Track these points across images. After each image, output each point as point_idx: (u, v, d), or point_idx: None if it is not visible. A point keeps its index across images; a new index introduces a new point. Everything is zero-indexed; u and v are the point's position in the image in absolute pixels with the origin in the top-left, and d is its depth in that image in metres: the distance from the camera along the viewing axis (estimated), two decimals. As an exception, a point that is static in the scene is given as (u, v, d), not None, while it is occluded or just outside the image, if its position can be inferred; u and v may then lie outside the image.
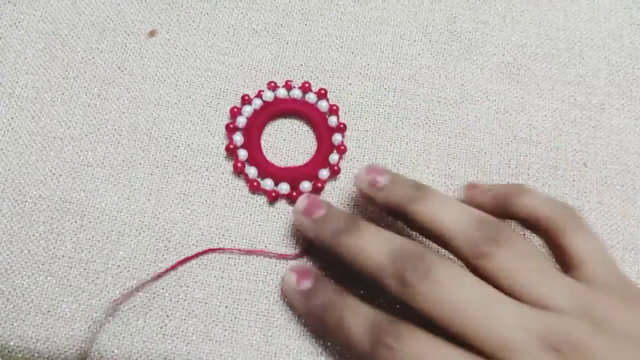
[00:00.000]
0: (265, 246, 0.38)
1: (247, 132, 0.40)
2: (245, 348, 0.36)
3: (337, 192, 0.40)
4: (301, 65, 0.43)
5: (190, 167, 0.40)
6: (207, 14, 0.45)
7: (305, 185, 0.39)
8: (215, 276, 0.38)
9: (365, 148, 0.41)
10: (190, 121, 0.41)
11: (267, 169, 0.39)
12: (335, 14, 0.45)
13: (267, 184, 0.39)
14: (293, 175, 0.39)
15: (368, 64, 0.44)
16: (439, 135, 0.42)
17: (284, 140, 0.41)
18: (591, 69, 0.45)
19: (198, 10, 0.45)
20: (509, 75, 0.44)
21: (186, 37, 0.44)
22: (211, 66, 0.43)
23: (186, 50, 0.44)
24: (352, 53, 0.44)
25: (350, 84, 0.43)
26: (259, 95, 0.41)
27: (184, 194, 0.39)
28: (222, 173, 0.40)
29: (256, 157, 0.40)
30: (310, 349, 0.36)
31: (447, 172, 0.41)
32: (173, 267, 0.37)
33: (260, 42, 0.44)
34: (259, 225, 0.39)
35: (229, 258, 0.38)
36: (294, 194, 0.39)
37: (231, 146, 0.40)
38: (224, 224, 0.39)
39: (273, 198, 0.39)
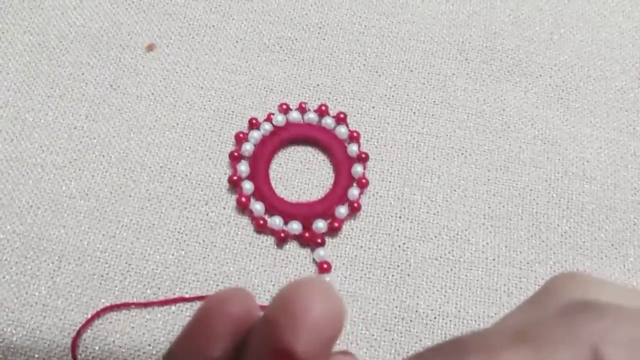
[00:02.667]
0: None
1: (253, 161, 0.38)
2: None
3: (357, 233, 0.36)
4: (317, 85, 0.40)
5: (187, 201, 0.36)
6: (213, 26, 0.42)
7: (320, 225, 0.36)
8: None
9: (390, 182, 0.37)
10: (189, 147, 0.38)
11: (275, 205, 0.36)
12: (358, 28, 0.42)
13: (276, 222, 0.36)
14: (306, 213, 0.36)
15: (395, 85, 0.40)
16: (477, 168, 0.38)
17: (296, 171, 0.38)
18: (653, 94, 0.40)
19: (203, 22, 0.42)
20: (557, 100, 0.40)
21: (188, 52, 0.41)
22: (215, 85, 0.40)
23: (188, 66, 0.40)
24: (376, 72, 0.41)
25: (373, 107, 0.40)
26: (268, 119, 0.39)
27: (178, 232, 0.36)
28: (224, 208, 0.36)
29: (263, 190, 0.37)
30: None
31: (486, 211, 0.37)
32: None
33: (271, 59, 0.41)
34: (265, 271, 0.35)
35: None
36: (307, 234, 0.36)
37: (235, 177, 0.37)
38: (224, 269, 0.35)
39: (282, 239, 0.36)
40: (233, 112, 0.39)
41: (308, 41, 0.41)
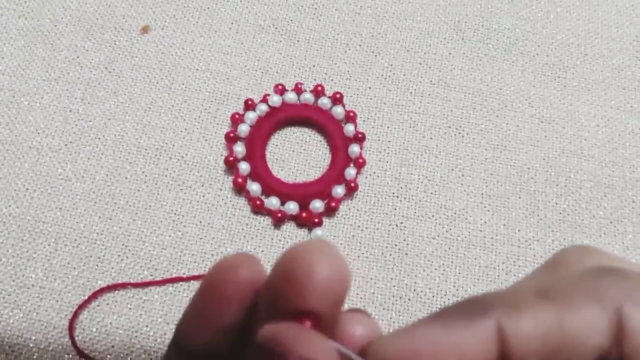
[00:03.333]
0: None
1: (250, 142, 0.37)
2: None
3: (354, 213, 0.36)
4: (313, 66, 0.40)
5: (184, 183, 0.36)
6: (208, 8, 0.42)
7: (317, 205, 0.36)
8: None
9: (387, 161, 0.37)
10: (185, 129, 0.38)
11: (272, 185, 0.36)
12: (354, 9, 0.42)
13: (272, 202, 0.36)
14: (303, 193, 0.36)
15: (391, 65, 0.40)
16: (475, 147, 0.38)
17: (293, 151, 0.37)
18: (651, 72, 0.40)
19: (197, 4, 0.42)
20: (554, 78, 0.40)
21: (183, 34, 0.40)
22: (211, 67, 0.39)
23: (183, 49, 0.40)
24: (372, 52, 0.40)
25: (369, 88, 0.39)
26: (264, 100, 0.38)
27: (175, 213, 0.35)
28: (221, 190, 0.36)
29: (260, 171, 0.36)
30: None
31: (484, 190, 0.37)
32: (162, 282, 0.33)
33: (267, 40, 0.40)
34: (262, 251, 0.35)
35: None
36: (304, 214, 0.35)
37: (231, 158, 0.36)
38: (221, 250, 0.35)
39: (279, 219, 0.35)
40: (229, 93, 0.39)
41: (303, 22, 0.41)
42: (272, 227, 0.35)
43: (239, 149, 0.37)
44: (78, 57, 0.39)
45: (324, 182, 0.36)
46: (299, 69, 0.39)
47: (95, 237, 0.34)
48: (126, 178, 0.36)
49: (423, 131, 0.38)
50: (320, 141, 0.38)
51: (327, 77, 0.39)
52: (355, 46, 0.40)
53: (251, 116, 0.37)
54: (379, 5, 0.41)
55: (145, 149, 0.37)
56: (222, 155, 0.37)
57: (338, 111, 0.38)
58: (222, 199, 0.36)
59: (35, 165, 0.36)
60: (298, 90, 0.38)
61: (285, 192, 0.36)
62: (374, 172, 0.37)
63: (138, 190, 0.36)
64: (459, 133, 0.38)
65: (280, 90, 0.38)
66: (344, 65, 0.39)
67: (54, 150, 0.36)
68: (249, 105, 0.38)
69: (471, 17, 0.41)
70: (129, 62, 0.39)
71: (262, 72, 0.39)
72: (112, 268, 0.34)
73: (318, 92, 0.38)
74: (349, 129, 0.37)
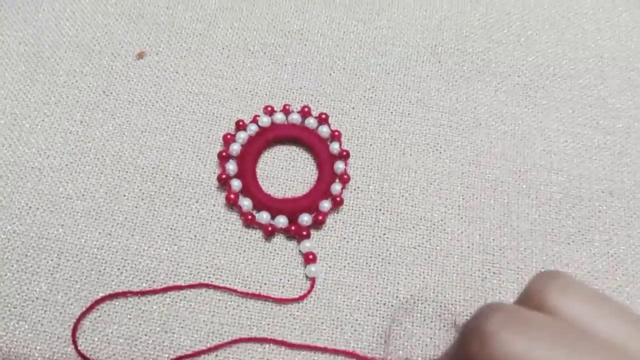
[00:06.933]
0: (261, 286, 0.35)
1: (241, 160, 0.38)
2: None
3: (340, 226, 0.37)
4: (300, 88, 0.41)
5: (179, 199, 0.37)
6: (200, 34, 0.43)
7: (305, 219, 0.37)
8: (204, 321, 0.34)
9: (370, 177, 0.39)
10: (180, 149, 0.39)
11: (263, 201, 0.37)
12: (337, 34, 0.43)
13: (263, 217, 0.37)
14: (291, 208, 0.37)
15: (373, 87, 0.41)
16: (451, 162, 0.39)
17: (282, 168, 0.39)
18: (614, 91, 0.42)
19: (190, 30, 0.43)
20: (525, 97, 0.42)
21: (177, 59, 0.42)
22: (203, 90, 0.41)
23: (177, 72, 0.41)
24: (355, 75, 0.42)
25: (353, 108, 0.41)
26: (254, 121, 0.39)
27: (171, 228, 0.37)
28: (214, 205, 0.37)
29: (251, 187, 0.37)
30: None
31: (460, 202, 0.38)
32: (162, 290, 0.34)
33: (256, 64, 0.42)
34: (254, 263, 0.36)
35: (219, 300, 0.35)
36: (293, 227, 0.36)
37: (224, 176, 0.38)
38: (215, 262, 0.36)
39: (269, 233, 0.36)
40: (220, 114, 0.40)
41: (290, 47, 0.42)
42: (263, 240, 0.37)
43: (231, 167, 0.38)
44: (77, 81, 0.40)
45: (311, 197, 0.37)
46: (287, 91, 0.41)
47: (95, 252, 0.36)
48: (124, 196, 0.37)
49: (403, 148, 0.39)
50: (308, 159, 0.39)
51: (313, 99, 0.41)
52: (340, 69, 0.42)
53: (242, 136, 0.39)
54: (361, 31, 0.43)
55: (142, 168, 0.38)
56: (215, 173, 0.38)
57: (324, 130, 0.39)
58: (216, 214, 0.37)
59: (37, 184, 0.37)
60: (286, 111, 0.39)
61: (275, 207, 0.37)
62: (358, 187, 0.38)
63: (136, 207, 0.37)
64: (437, 150, 0.39)
65: (270, 111, 0.39)
66: (329, 87, 0.41)
67: (55, 170, 0.38)
68: (240, 126, 0.39)
69: (447, 42, 0.43)
70: (126, 86, 0.40)
71: (252, 94, 0.41)
72: (112, 281, 0.35)
73: (305, 112, 0.39)
74: (334, 147, 0.38)
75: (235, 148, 0.38)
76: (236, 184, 0.37)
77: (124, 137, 0.39)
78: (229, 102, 0.40)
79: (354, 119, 0.40)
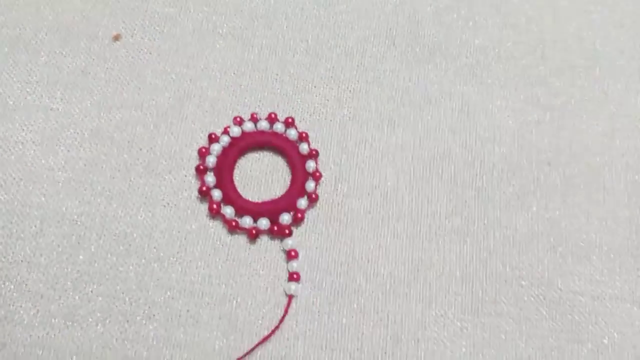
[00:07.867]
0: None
1: (218, 171, 0.40)
2: (207, 352, 0.36)
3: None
4: (266, 68, 0.44)
5: (153, 170, 0.40)
6: (172, 18, 0.45)
7: (285, 218, 0.39)
8: (176, 279, 0.37)
9: (329, 150, 0.41)
10: (154, 124, 0.41)
11: (244, 207, 0.39)
12: (300, 18, 0.46)
13: (246, 221, 0.38)
14: (272, 209, 0.39)
15: (332, 67, 0.44)
16: (404, 135, 0.42)
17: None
18: (553, 71, 0.45)
19: (162, 14, 0.45)
20: (472, 77, 0.45)
21: (150, 41, 0.44)
22: (175, 69, 0.43)
23: (150, 54, 0.44)
24: (317, 56, 0.44)
25: (315, 87, 0.43)
26: (225, 132, 0.41)
27: (145, 197, 0.39)
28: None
29: (231, 195, 0.39)
30: (274, 353, 0.36)
31: (411, 172, 0.41)
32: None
33: (225, 46, 0.44)
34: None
35: (190, 261, 0.38)
36: (275, 228, 0.38)
37: (204, 188, 0.39)
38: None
39: (254, 235, 0.38)
40: (191, 92, 0.42)
41: (257, 30, 0.45)
42: (248, 242, 0.38)
43: (210, 178, 0.39)
44: (57, 62, 0.42)
45: (288, 197, 0.39)
46: (254, 71, 0.43)
47: (75, 218, 0.38)
48: (102, 167, 0.39)
49: (360, 124, 0.42)
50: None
51: (278, 78, 0.43)
52: (302, 51, 0.44)
53: (216, 148, 0.40)
54: (323, 15, 0.46)
55: (119, 142, 0.40)
56: (195, 185, 0.40)
57: (292, 133, 0.41)
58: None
59: (21, 157, 0.39)
60: (254, 119, 0.41)
61: (256, 210, 0.38)
62: (321, 160, 0.41)
63: (113, 177, 0.39)
64: (391, 125, 0.42)
65: (239, 121, 0.41)
66: (293, 68, 0.43)
67: (37, 144, 0.40)
68: (213, 139, 0.40)
69: (401, 26, 0.46)
70: (103, 66, 0.43)
71: (221, 73, 0.43)
72: (92, 245, 0.37)
73: (272, 119, 0.41)
74: (304, 147, 0.40)
75: (211, 160, 0.40)
76: (217, 194, 0.39)
77: (102, 114, 0.41)
78: (199, 81, 0.43)
79: (316, 96, 0.43)
